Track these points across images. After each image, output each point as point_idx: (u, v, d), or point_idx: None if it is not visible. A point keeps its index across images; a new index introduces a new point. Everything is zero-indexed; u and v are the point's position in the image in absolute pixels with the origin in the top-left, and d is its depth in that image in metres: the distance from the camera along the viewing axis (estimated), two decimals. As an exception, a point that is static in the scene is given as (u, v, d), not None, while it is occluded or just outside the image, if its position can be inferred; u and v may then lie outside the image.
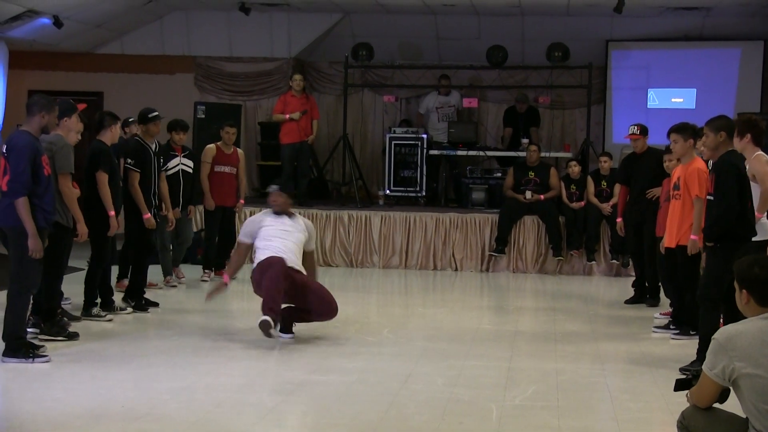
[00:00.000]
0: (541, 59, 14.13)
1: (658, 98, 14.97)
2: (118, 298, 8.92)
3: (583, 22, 14.70)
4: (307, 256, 8.10)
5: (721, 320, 6.81)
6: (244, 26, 14.96)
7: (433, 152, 13.89)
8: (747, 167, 6.85)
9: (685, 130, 7.87)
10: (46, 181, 6.75)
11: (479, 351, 7.58)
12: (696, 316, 7.30)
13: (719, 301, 6.76)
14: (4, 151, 6.74)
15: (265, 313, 7.30)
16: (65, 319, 7.92)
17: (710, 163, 7.34)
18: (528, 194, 12.50)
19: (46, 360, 6.72)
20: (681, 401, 4.35)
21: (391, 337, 8.11)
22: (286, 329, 7.74)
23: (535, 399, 6.10)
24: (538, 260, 12.54)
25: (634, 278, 10.42)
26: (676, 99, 14.87)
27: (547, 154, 13.57)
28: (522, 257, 12.55)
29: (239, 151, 11.36)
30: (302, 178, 13.38)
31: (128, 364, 6.83)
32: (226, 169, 11.08)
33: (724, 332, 3.98)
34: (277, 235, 7.79)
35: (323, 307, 7.74)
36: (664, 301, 9.39)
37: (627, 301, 10.11)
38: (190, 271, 11.26)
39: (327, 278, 8.03)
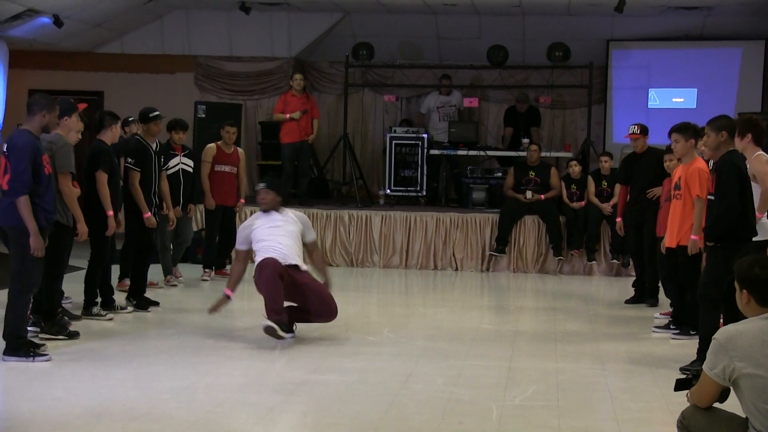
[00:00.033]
0: (541, 59, 14.14)
1: (658, 98, 14.96)
2: (118, 297, 8.93)
3: (584, 21, 14.69)
4: (311, 249, 8.09)
5: (721, 320, 6.82)
6: (244, 26, 14.96)
7: (433, 152, 13.88)
8: (747, 167, 6.85)
9: (687, 129, 7.87)
10: (47, 181, 6.75)
11: (479, 351, 7.58)
12: (696, 316, 7.30)
13: (719, 301, 6.76)
14: (5, 150, 6.74)
15: (269, 317, 7.31)
16: (66, 318, 7.93)
17: (711, 162, 7.34)
18: (528, 194, 12.50)
19: (47, 359, 6.73)
20: (681, 401, 4.35)
21: (392, 336, 8.11)
22: (287, 328, 7.73)
23: (535, 399, 6.10)
24: (538, 260, 12.54)
25: (634, 278, 10.42)
26: (676, 99, 14.86)
27: (548, 154, 13.57)
28: (522, 257, 12.54)
29: (240, 150, 11.36)
30: (303, 178, 13.39)
31: (129, 364, 6.83)
32: (227, 168, 11.08)
33: (725, 332, 3.98)
34: (268, 233, 7.76)
35: (323, 309, 7.72)
36: (663, 301, 9.40)
37: (627, 301, 10.11)
38: (190, 271, 11.26)
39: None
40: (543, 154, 13.06)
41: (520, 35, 14.99)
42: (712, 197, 6.90)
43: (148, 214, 9.10)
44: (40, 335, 7.31)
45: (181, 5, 14.96)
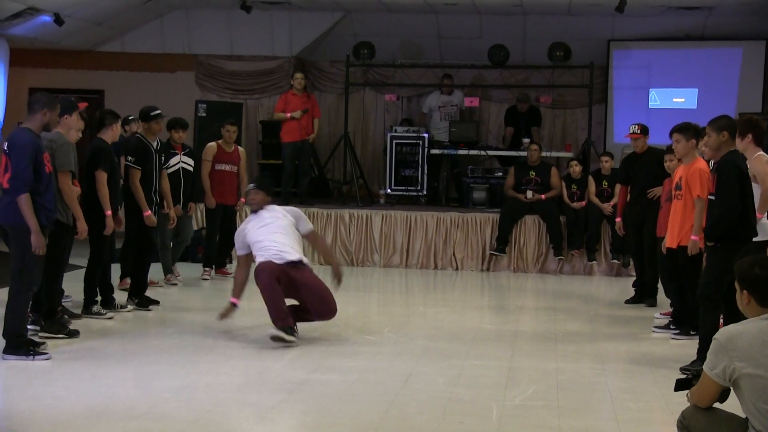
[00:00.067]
0: (542, 59, 14.14)
1: (659, 98, 14.96)
2: (119, 296, 8.92)
3: (585, 21, 14.70)
4: (312, 239, 8.07)
5: (721, 320, 6.82)
6: (245, 25, 14.96)
7: (434, 151, 13.88)
8: (748, 167, 6.85)
9: (688, 130, 7.87)
10: (48, 179, 6.75)
11: (480, 350, 7.58)
12: (696, 317, 7.30)
13: (719, 301, 6.76)
14: (6, 148, 6.74)
15: (276, 325, 7.33)
16: (66, 316, 7.93)
17: (712, 163, 7.34)
18: (529, 194, 12.50)
19: (47, 357, 6.73)
20: (681, 401, 4.35)
21: (392, 336, 8.11)
22: (292, 331, 7.69)
23: (535, 399, 6.10)
24: (538, 260, 12.54)
25: (634, 278, 10.42)
26: (677, 99, 14.86)
27: (549, 154, 13.57)
28: (523, 257, 12.54)
29: (240, 149, 11.36)
30: (303, 177, 13.39)
31: (129, 362, 6.83)
32: (227, 167, 11.08)
33: (725, 332, 3.98)
34: (261, 233, 7.75)
35: (322, 308, 7.70)
36: (663, 300, 9.39)
37: (627, 301, 10.10)
38: (191, 270, 11.26)
39: (327, 277, 8.00)
40: (543, 153, 13.05)
41: (521, 35, 14.99)
42: (713, 197, 6.90)
43: (148, 213, 9.09)
44: (39, 334, 7.31)
45: (182, 4, 14.96)
